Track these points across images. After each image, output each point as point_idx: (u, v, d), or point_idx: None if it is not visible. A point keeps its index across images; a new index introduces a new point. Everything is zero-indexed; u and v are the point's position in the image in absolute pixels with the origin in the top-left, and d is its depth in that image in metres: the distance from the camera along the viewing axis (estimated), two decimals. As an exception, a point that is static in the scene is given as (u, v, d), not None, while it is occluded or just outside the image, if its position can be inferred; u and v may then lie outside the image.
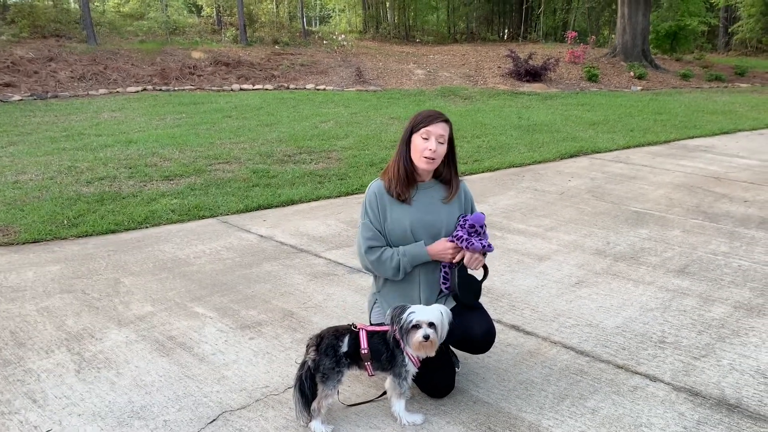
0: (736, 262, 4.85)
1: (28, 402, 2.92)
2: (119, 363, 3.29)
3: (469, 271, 2.96)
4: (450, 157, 3.02)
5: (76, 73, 15.81)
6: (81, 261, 4.86)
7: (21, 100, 13.51)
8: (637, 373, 3.21)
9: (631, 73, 21.51)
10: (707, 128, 12.55)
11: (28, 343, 3.50)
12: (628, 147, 10.32)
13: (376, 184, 3.02)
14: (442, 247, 2.89)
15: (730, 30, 34.51)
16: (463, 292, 2.89)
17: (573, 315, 3.91)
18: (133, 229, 5.70)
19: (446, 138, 2.91)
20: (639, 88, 20.14)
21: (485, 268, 3.01)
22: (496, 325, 3.06)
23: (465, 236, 2.84)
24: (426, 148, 2.87)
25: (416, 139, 2.90)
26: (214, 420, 2.79)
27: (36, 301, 4.08)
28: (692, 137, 11.57)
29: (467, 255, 2.89)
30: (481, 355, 3.28)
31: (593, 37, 28.50)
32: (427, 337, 2.54)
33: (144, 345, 3.49)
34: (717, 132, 12.25)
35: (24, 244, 5.27)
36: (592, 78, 20.35)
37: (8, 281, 4.42)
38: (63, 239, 5.40)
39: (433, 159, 2.89)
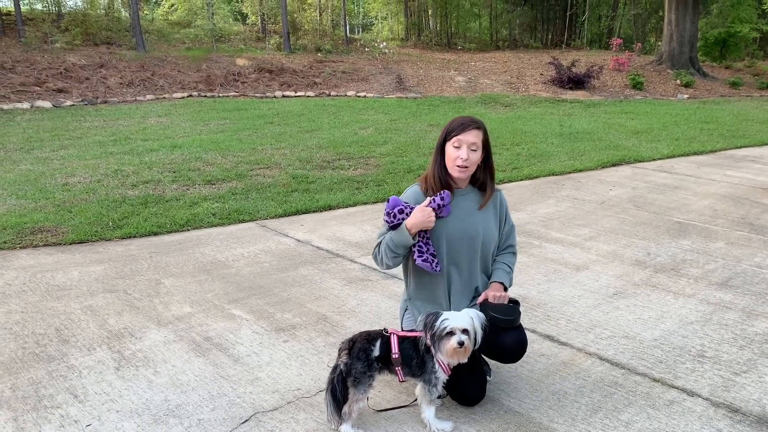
0: (782, 276, 4.70)
1: (69, 397, 3.02)
2: (157, 362, 3.38)
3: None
4: (486, 163, 3.02)
5: (125, 79, 16.29)
6: (124, 262, 5.00)
7: (72, 105, 14.00)
8: (674, 387, 3.14)
9: (678, 81, 21.05)
10: (756, 138, 12.19)
11: (71, 340, 3.62)
12: (673, 156, 10.10)
13: (412, 190, 3.03)
14: (420, 215, 2.82)
15: (783, 37, 33.44)
16: (501, 319, 2.84)
17: (609, 326, 3.85)
18: (175, 232, 5.84)
19: (479, 145, 2.90)
20: (686, 96, 19.69)
21: (513, 301, 2.99)
22: (529, 334, 3.04)
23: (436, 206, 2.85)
24: (458, 156, 2.87)
25: (449, 148, 2.91)
26: (246, 420, 2.84)
27: (80, 300, 4.21)
28: (740, 147, 11.26)
29: (491, 295, 2.93)
30: (513, 364, 3.26)
31: (639, 44, 27.97)
32: (461, 344, 2.54)
33: (181, 345, 3.57)
34: (767, 141, 11.89)
35: (71, 244, 5.45)
36: (637, 86, 19.99)
37: (55, 280, 4.58)
38: (108, 240, 5.57)
39: (466, 167, 2.90)
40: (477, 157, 2.92)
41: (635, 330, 3.79)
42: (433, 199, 2.85)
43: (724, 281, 4.61)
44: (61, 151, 9.30)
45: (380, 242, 2.97)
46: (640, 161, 9.62)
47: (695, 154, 10.42)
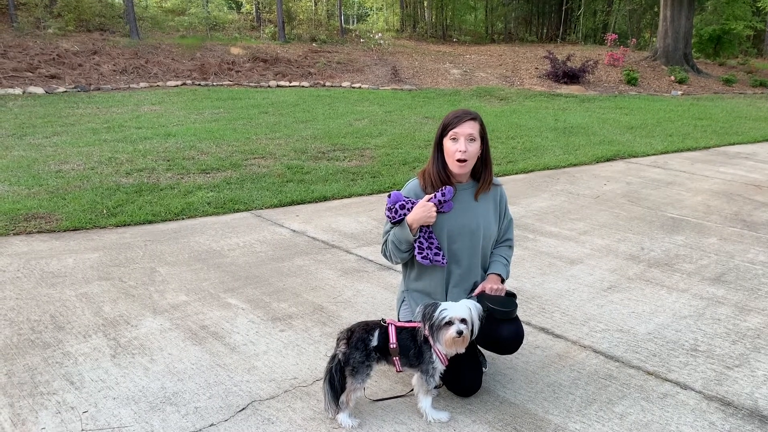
0: (774, 272, 4.75)
1: (65, 384, 3.02)
2: (153, 350, 3.38)
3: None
4: (483, 154, 3.01)
5: (119, 66, 16.17)
6: (119, 249, 4.99)
7: (65, 91, 13.88)
8: (667, 380, 3.17)
9: (672, 77, 21.12)
10: (749, 135, 12.26)
11: (66, 327, 3.61)
12: (667, 152, 10.15)
13: (412, 184, 3.02)
14: (421, 210, 2.83)
15: (777, 35, 33.59)
16: (498, 310, 2.86)
17: (604, 320, 3.88)
18: (170, 220, 5.82)
19: (476, 135, 2.89)
20: (679, 92, 19.76)
21: (509, 293, 3.01)
22: (525, 327, 3.06)
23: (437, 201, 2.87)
24: (456, 150, 2.86)
25: (447, 143, 2.90)
26: (243, 409, 2.84)
27: (75, 287, 4.20)
28: (733, 144, 11.32)
29: (488, 287, 2.95)
30: (508, 356, 3.28)
31: (634, 39, 28.04)
32: (460, 333, 2.56)
33: (177, 333, 3.57)
34: (759, 139, 11.96)
35: (65, 231, 5.43)
36: (632, 81, 20.04)
37: (50, 267, 4.56)
38: (102, 228, 5.55)
39: (465, 161, 2.89)
40: (475, 148, 2.90)
41: (629, 324, 3.82)
42: (435, 194, 2.85)
43: (717, 276, 4.64)
44: (54, 138, 9.23)
45: (386, 239, 2.98)
46: (634, 156, 9.66)
47: (689, 150, 10.47)
